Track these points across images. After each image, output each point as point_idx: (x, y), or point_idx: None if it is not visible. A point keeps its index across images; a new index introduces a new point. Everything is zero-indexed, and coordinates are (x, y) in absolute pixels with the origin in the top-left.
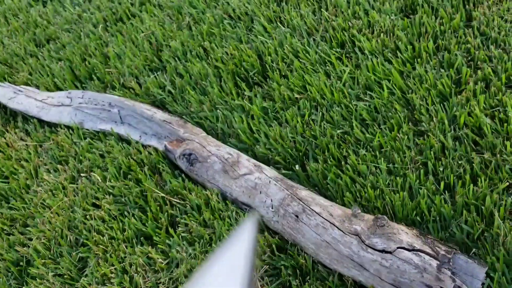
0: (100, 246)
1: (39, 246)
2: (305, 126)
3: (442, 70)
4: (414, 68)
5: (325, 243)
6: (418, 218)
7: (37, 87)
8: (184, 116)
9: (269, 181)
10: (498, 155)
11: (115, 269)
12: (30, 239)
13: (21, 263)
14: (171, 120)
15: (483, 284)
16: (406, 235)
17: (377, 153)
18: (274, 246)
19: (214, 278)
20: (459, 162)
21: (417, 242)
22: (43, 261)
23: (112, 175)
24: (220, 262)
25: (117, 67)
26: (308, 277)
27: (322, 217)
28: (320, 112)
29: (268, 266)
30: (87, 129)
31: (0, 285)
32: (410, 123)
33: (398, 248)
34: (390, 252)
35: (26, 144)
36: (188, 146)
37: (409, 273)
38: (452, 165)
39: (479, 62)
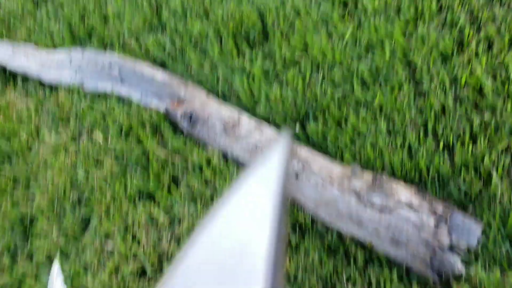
0: (103, 204)
1: (42, 204)
2: (306, 86)
3: (445, 30)
4: (416, 28)
5: (325, 201)
6: (416, 177)
7: (36, 46)
8: (184, 77)
9: (269, 141)
10: (498, 116)
11: (117, 226)
12: (34, 198)
13: (25, 221)
14: (172, 81)
15: (479, 241)
16: (404, 193)
17: (377, 113)
18: None
19: (235, 214)
20: (459, 122)
21: (416, 200)
22: (46, 219)
23: (114, 135)
24: (244, 191)
25: (117, 27)
26: (307, 234)
27: (321, 176)
28: (321, 73)
29: None
30: (87, 89)
31: (6, 242)
32: (411, 83)
33: (396, 206)
34: (388, 210)
35: (27, 104)
36: (189, 106)
37: (407, 230)
38: (452, 125)
39: (482, 22)
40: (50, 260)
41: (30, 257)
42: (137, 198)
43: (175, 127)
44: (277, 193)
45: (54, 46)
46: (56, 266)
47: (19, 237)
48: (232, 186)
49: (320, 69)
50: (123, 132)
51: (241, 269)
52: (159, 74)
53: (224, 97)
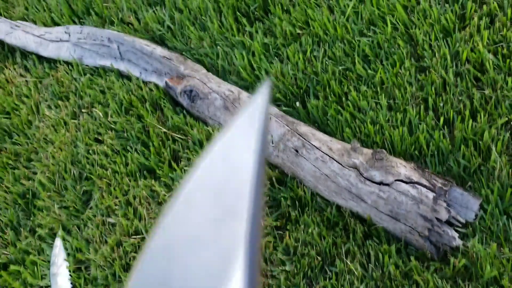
0: (104, 179)
1: (43, 179)
2: (306, 62)
3: (447, 5)
4: (418, 3)
5: (324, 176)
6: (416, 152)
7: (34, 22)
8: (184, 53)
9: (270, 117)
10: (499, 91)
11: (119, 201)
12: (35, 173)
13: (27, 196)
14: (171, 57)
15: (476, 215)
16: (404, 168)
17: (378, 89)
18: (274, 179)
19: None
20: (460, 97)
21: (415, 175)
22: (48, 194)
23: (114, 111)
24: (220, 150)
25: (115, 2)
26: (307, 208)
27: (321, 151)
28: (322, 48)
29: (268, 197)
30: (86, 65)
31: (9, 216)
32: (412, 59)
33: (395, 180)
34: (387, 184)
35: (26, 80)
36: (189, 82)
37: (406, 205)
38: (452, 101)
39: None
40: (53, 234)
41: (33, 231)
42: (138, 174)
43: (175, 103)
44: (261, 129)
45: (53, 22)
46: (58, 241)
47: (22, 212)
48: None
49: (321, 44)
50: (123, 108)
51: (231, 192)
52: (159, 50)
53: (224, 73)
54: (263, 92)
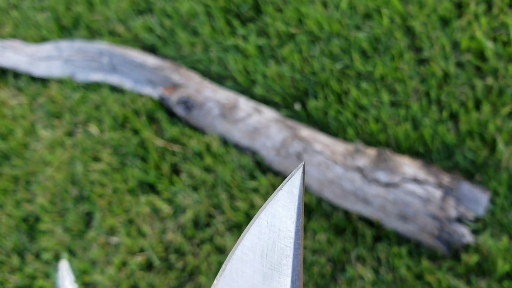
0: (104, 198)
1: (45, 202)
2: (303, 62)
3: None
4: None
5: (329, 180)
6: (422, 148)
7: (24, 39)
8: (176, 60)
9: (269, 123)
10: (501, 79)
11: (121, 220)
12: (36, 195)
13: (30, 219)
14: (164, 66)
15: (486, 209)
16: (409, 167)
17: (379, 85)
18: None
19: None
20: (462, 88)
21: (421, 174)
22: (50, 216)
23: (109, 127)
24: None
25: (103, 13)
26: (314, 214)
27: (324, 155)
28: (318, 46)
29: None
30: (78, 81)
31: (14, 241)
32: (411, 51)
33: (401, 180)
34: (394, 185)
35: (19, 101)
36: (184, 92)
37: (414, 205)
38: (455, 92)
39: None
40: (57, 258)
41: (38, 256)
42: (138, 190)
43: (171, 114)
44: (299, 203)
45: (43, 38)
46: (64, 265)
47: (26, 236)
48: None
49: (317, 42)
50: (118, 123)
51: (277, 252)
52: (150, 60)
53: (219, 79)
54: (299, 171)
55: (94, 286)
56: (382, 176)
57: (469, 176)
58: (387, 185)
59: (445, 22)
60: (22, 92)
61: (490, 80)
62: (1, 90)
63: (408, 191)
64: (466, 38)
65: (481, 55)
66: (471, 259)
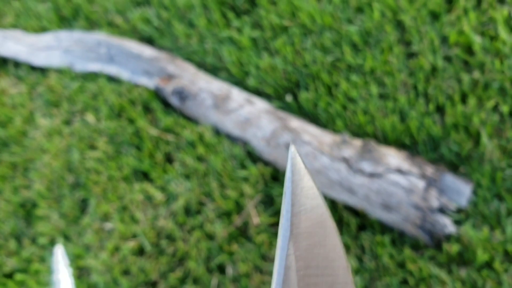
0: (99, 185)
1: (42, 188)
2: (295, 54)
3: None
4: None
5: (316, 170)
6: (408, 140)
7: (25, 29)
8: (173, 52)
9: (260, 114)
10: (487, 73)
11: (115, 206)
12: (33, 182)
13: (27, 205)
14: (160, 57)
15: (469, 200)
16: (393, 158)
17: (368, 77)
18: (267, 176)
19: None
20: (449, 82)
21: (405, 165)
22: (47, 202)
23: (106, 116)
24: None
25: (102, 5)
26: None
27: (311, 146)
28: (310, 39)
29: (262, 195)
30: (77, 70)
31: (11, 226)
32: (400, 45)
33: (385, 171)
34: (378, 176)
35: (19, 90)
36: (179, 82)
37: (397, 195)
38: (441, 86)
39: None
40: (53, 242)
41: (34, 240)
42: (132, 178)
43: (166, 104)
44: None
45: (43, 28)
46: (59, 250)
47: (23, 222)
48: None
49: (309, 34)
50: (114, 112)
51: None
52: (147, 51)
53: (214, 70)
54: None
55: (88, 270)
56: (366, 166)
57: (454, 168)
58: (371, 175)
59: (435, 16)
60: (22, 81)
61: (476, 74)
62: (2, 79)
63: (391, 182)
64: (454, 32)
65: (469, 49)
66: (452, 248)
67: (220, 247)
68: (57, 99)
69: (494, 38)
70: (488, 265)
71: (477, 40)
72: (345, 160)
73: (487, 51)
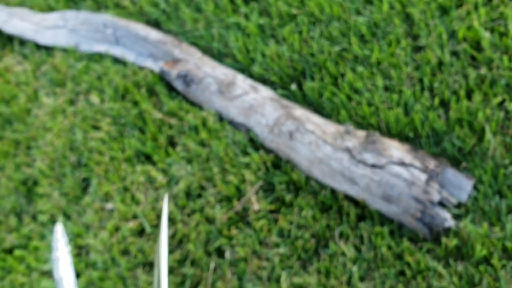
0: (101, 166)
1: (43, 166)
2: (302, 43)
3: None
4: None
5: (318, 159)
6: (411, 133)
7: (31, 8)
8: (179, 36)
9: (265, 102)
10: (495, 70)
11: (116, 187)
12: (35, 160)
13: (28, 183)
14: (166, 40)
15: (469, 195)
16: (397, 150)
17: (374, 69)
18: (269, 163)
19: None
20: (455, 77)
21: (407, 157)
22: (48, 180)
23: (110, 97)
24: None
25: None
26: (301, 191)
27: (315, 135)
28: (318, 28)
29: (263, 181)
30: (82, 51)
31: (12, 202)
32: (408, 38)
33: (388, 163)
34: (380, 167)
35: (24, 68)
36: (184, 67)
37: (398, 187)
38: (447, 80)
39: None
40: (53, 220)
41: (34, 217)
42: (135, 160)
43: (170, 88)
44: None
45: (49, 7)
46: (59, 228)
47: (24, 198)
48: None
49: (317, 23)
50: (119, 94)
51: None
52: (153, 34)
53: (220, 56)
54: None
55: (87, 249)
56: (369, 157)
57: (456, 163)
58: (374, 166)
59: (444, 10)
60: (27, 59)
61: (484, 70)
62: (7, 56)
63: (393, 173)
64: (463, 27)
65: (477, 45)
66: (451, 242)
67: (220, 231)
68: (61, 78)
69: (504, 34)
70: (486, 260)
71: (486, 36)
72: (348, 150)
73: (496, 48)
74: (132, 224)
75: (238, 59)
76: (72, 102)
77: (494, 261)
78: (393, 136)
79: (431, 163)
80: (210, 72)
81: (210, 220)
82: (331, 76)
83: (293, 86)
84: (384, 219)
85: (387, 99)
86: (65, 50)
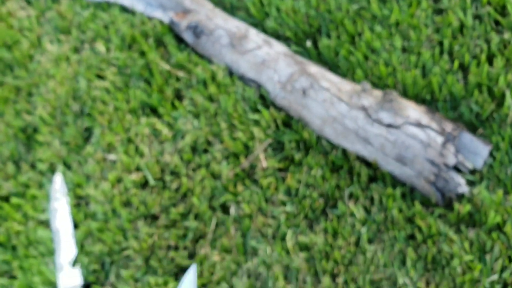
0: (105, 116)
1: (44, 114)
2: None
3: None
4: None
5: (332, 117)
6: (428, 96)
7: None
8: None
9: (278, 57)
10: None
11: (120, 138)
12: (36, 108)
13: (28, 130)
14: None
15: (485, 162)
16: (414, 111)
17: (393, 30)
18: (279, 121)
19: None
20: (477, 41)
21: (424, 118)
22: (49, 129)
23: (116, 46)
24: None
25: None
26: (311, 151)
27: (330, 92)
28: None
29: (272, 139)
30: None
31: (10, 149)
32: (430, 0)
33: (404, 123)
34: (396, 127)
35: (27, 14)
36: (194, 17)
37: (414, 148)
38: (469, 44)
39: None
40: (53, 169)
41: (33, 166)
42: (140, 111)
43: (179, 40)
44: None
45: None
46: (58, 178)
47: (23, 146)
48: None
49: None
50: (126, 43)
51: None
52: None
53: (232, 9)
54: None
55: (87, 200)
56: (385, 116)
57: (473, 129)
58: (389, 126)
59: None
60: (31, 5)
61: (507, 35)
62: (10, 1)
63: (409, 134)
64: None
65: (502, 9)
66: (464, 208)
67: (225, 187)
68: (67, 25)
69: None
70: (499, 228)
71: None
72: (364, 109)
73: None
74: (135, 176)
75: (252, 12)
76: (76, 50)
77: (507, 229)
78: (409, 98)
79: (448, 126)
80: (221, 24)
81: (215, 176)
82: (348, 35)
83: (308, 43)
84: (396, 182)
85: (405, 61)
86: None
